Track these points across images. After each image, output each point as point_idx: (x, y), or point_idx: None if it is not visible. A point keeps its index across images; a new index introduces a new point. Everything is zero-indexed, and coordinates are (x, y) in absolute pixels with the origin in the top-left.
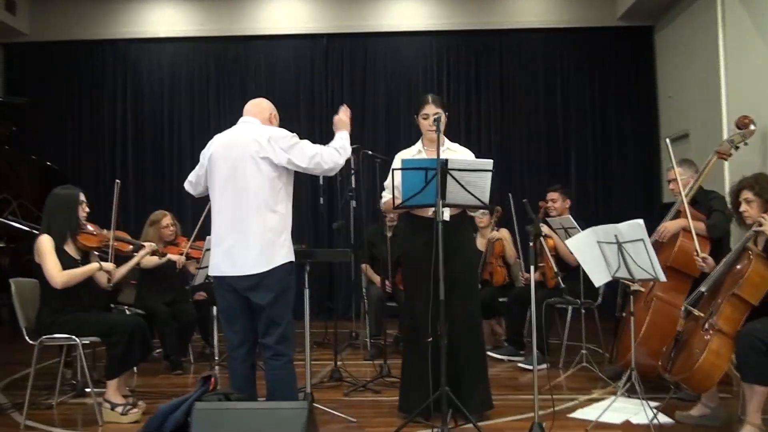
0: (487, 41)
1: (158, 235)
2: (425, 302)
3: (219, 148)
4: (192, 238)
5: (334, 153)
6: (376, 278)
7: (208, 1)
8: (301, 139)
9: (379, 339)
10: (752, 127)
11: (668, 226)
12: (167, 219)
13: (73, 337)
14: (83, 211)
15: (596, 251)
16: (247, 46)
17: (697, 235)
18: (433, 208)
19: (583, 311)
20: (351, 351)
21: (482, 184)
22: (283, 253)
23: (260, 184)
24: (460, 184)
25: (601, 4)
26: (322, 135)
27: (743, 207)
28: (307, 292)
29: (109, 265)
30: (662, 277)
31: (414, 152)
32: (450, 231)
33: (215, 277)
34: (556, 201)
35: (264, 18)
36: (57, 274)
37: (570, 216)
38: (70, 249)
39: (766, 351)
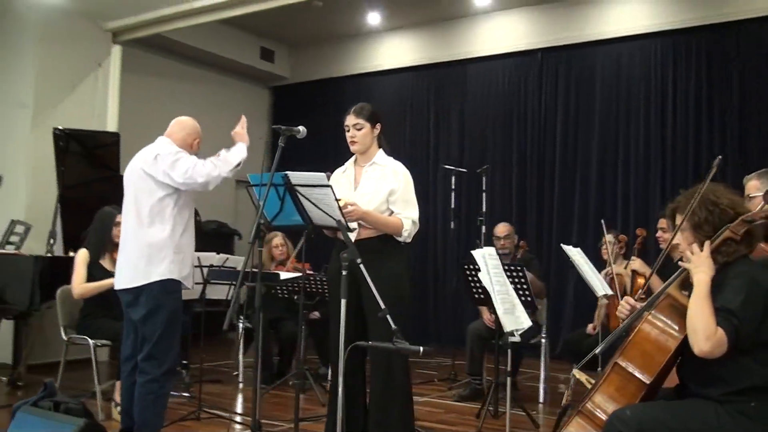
0: (721, 36)
1: (269, 254)
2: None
3: (130, 164)
4: (293, 258)
5: (207, 165)
6: (484, 310)
7: (426, 29)
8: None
9: (477, 379)
10: None
11: None
12: (278, 239)
13: (86, 338)
14: (118, 229)
15: None
16: (462, 69)
17: None
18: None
19: None
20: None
21: (328, 202)
22: (161, 270)
23: (144, 200)
24: (309, 201)
25: None
26: (533, 153)
27: (677, 238)
28: None
29: None
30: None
31: (343, 169)
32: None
33: None
34: (666, 230)
35: (479, 40)
36: (75, 286)
37: None
38: (106, 263)
39: None
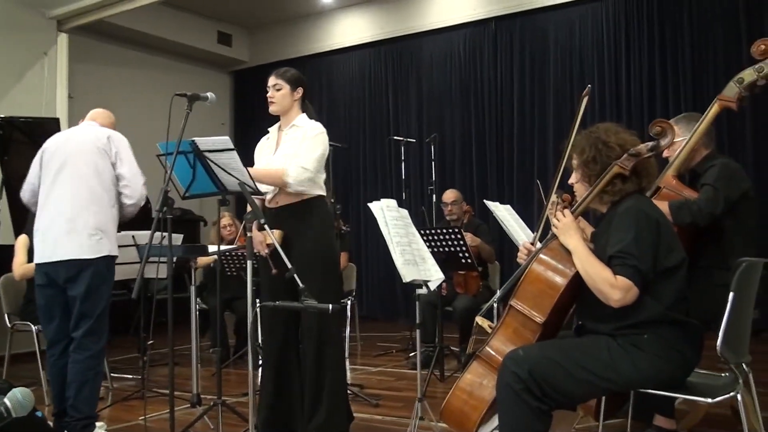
0: None
1: (218, 235)
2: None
3: (51, 146)
4: (241, 237)
5: (142, 187)
6: None
7: (380, 4)
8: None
9: (430, 346)
10: None
11: None
12: (226, 219)
13: (29, 323)
14: None
15: None
16: (419, 42)
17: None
18: (264, 195)
19: None
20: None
21: (235, 165)
22: (109, 246)
23: (93, 176)
24: (218, 166)
25: None
26: (491, 122)
27: (572, 178)
28: None
29: None
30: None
31: (267, 135)
32: (279, 223)
33: (37, 266)
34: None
35: (434, 12)
36: (15, 268)
37: None
38: None
39: (523, 390)
